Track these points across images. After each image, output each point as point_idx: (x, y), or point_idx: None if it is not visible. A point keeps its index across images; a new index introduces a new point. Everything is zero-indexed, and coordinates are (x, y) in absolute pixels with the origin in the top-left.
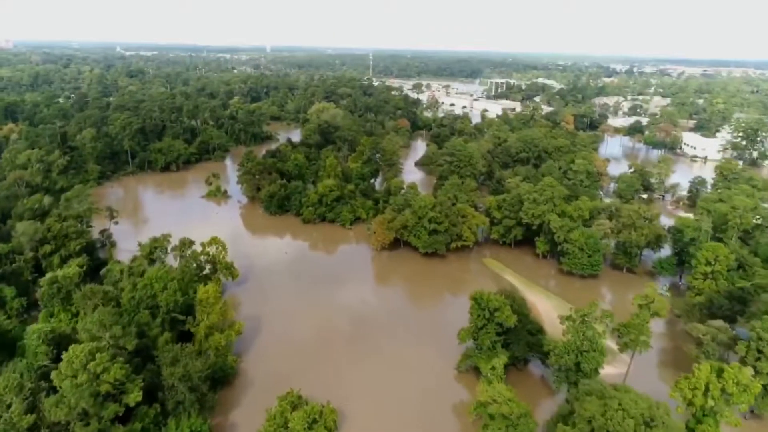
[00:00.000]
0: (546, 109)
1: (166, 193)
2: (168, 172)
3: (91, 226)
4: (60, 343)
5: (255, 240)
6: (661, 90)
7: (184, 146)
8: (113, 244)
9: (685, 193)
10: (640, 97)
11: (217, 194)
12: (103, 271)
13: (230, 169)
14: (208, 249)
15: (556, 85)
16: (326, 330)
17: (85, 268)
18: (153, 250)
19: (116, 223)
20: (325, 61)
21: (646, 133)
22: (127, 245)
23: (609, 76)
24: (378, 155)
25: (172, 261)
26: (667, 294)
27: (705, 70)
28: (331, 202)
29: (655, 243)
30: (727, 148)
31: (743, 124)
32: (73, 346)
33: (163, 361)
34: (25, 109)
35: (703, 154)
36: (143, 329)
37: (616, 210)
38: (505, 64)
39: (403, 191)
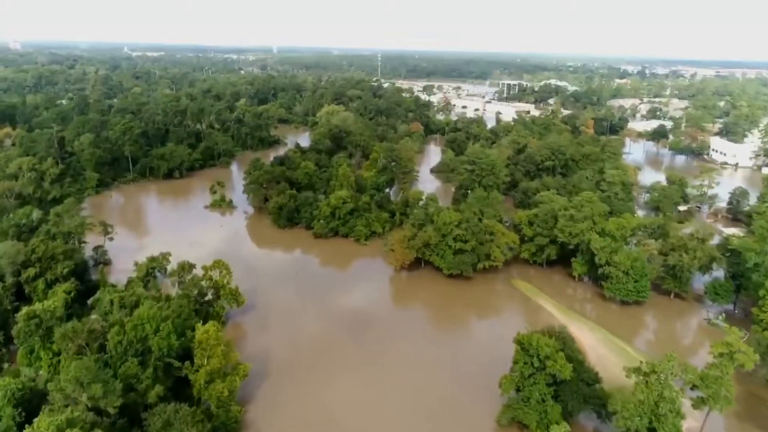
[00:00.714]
0: (562, 111)
1: (167, 203)
2: (171, 180)
3: (84, 243)
4: (32, 400)
5: (263, 257)
6: (677, 92)
7: (188, 152)
8: (107, 263)
9: (723, 204)
10: (657, 100)
11: (222, 204)
12: (91, 300)
13: (236, 175)
14: (210, 273)
15: (569, 87)
16: (341, 366)
17: (73, 294)
18: (150, 271)
19: (111, 239)
20: (332, 62)
21: (671, 137)
22: (123, 263)
23: (622, 78)
24: (393, 163)
25: (171, 284)
26: (725, 325)
27: (718, 71)
28: (345, 216)
29: (708, 266)
30: (759, 155)
31: None
32: (40, 416)
33: (152, 427)
34: (24, 112)
35: (734, 160)
36: (131, 382)
37: (659, 228)
38: (515, 65)
39: (421, 203)
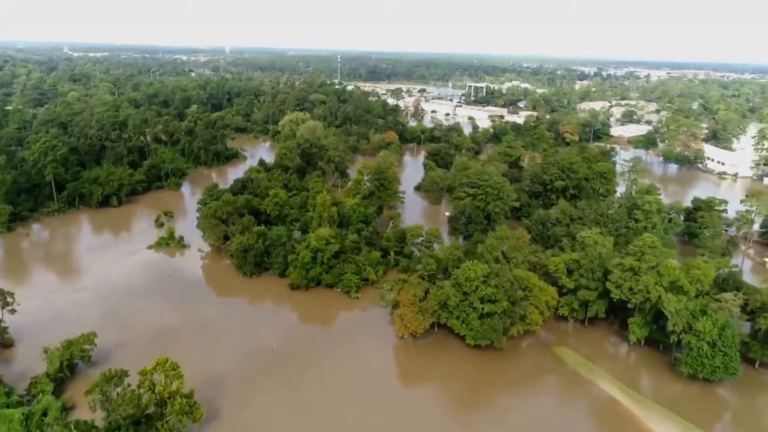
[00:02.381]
0: (525, 114)
1: (99, 242)
2: (107, 208)
3: None
4: None
5: (225, 322)
6: (638, 95)
7: (129, 172)
8: (8, 344)
9: (757, 227)
10: (624, 102)
11: (171, 242)
12: None
13: (189, 200)
14: (151, 378)
15: (537, 89)
16: None
17: None
18: (66, 363)
19: (13, 311)
20: (288, 63)
21: (660, 145)
22: (35, 340)
23: (582, 79)
24: (381, 186)
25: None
26: None
27: (669, 72)
28: (329, 260)
29: None
30: (759, 164)
31: None
32: None
33: None
34: None
35: (733, 170)
36: None
37: (730, 275)
38: (473, 66)
39: (420, 239)
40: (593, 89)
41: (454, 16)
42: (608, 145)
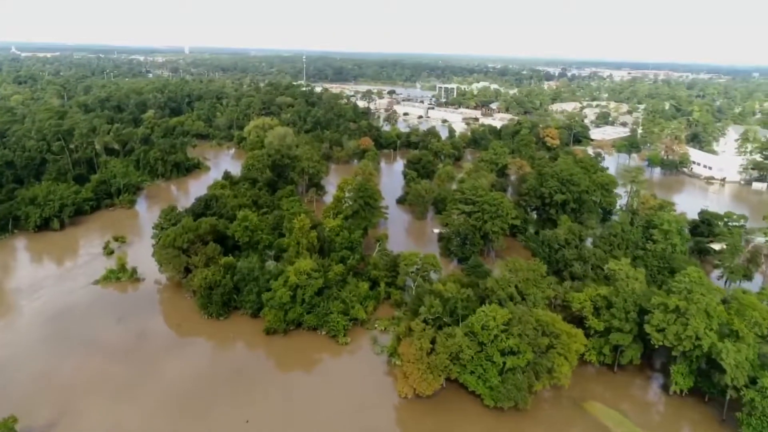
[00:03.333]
0: (500, 116)
1: (34, 277)
2: (47, 233)
3: None
4: None
5: (189, 385)
6: (606, 95)
7: (74, 189)
8: None
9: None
10: (595, 103)
11: (121, 276)
12: None
13: (144, 219)
14: None
15: (506, 90)
16: None
17: None
18: None
19: None
20: (251, 64)
21: (643, 149)
22: None
23: (548, 80)
24: (367, 205)
25: None
26: None
27: (629, 73)
28: (311, 298)
29: None
30: (748, 168)
31: (764, 140)
32: None
33: None
34: None
35: (720, 175)
36: None
37: None
38: (439, 67)
39: (415, 267)
40: (563, 90)
41: (416, 16)
42: (591, 150)
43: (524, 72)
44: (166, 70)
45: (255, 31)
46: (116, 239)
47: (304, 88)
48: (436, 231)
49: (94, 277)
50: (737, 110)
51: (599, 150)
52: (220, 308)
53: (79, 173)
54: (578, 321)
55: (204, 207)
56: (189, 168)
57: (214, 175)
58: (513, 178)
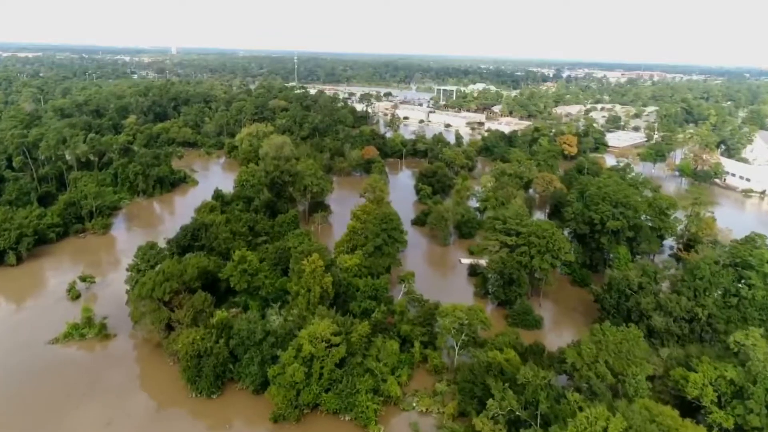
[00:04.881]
0: (505, 120)
1: None
2: (1, 268)
3: None
4: None
5: None
6: (608, 97)
7: (37, 213)
8: None
9: None
10: (599, 106)
11: (87, 331)
12: None
13: (121, 247)
14: None
15: (508, 92)
16: None
17: None
18: None
19: None
20: (240, 65)
21: (668, 157)
22: None
23: (544, 81)
24: (390, 237)
25: None
26: None
27: (623, 74)
28: (331, 372)
29: None
30: None
31: None
32: None
33: None
34: None
35: (760, 187)
36: None
37: None
38: (432, 69)
39: (458, 325)
40: (565, 92)
41: (405, 17)
42: (613, 159)
43: (519, 73)
44: (152, 71)
45: (243, 31)
46: (83, 279)
47: (297, 91)
48: (465, 261)
49: (54, 330)
50: (742, 113)
51: (623, 159)
52: (211, 383)
53: (47, 191)
54: (682, 403)
55: (191, 238)
56: (174, 182)
57: (203, 187)
58: (535, 193)
